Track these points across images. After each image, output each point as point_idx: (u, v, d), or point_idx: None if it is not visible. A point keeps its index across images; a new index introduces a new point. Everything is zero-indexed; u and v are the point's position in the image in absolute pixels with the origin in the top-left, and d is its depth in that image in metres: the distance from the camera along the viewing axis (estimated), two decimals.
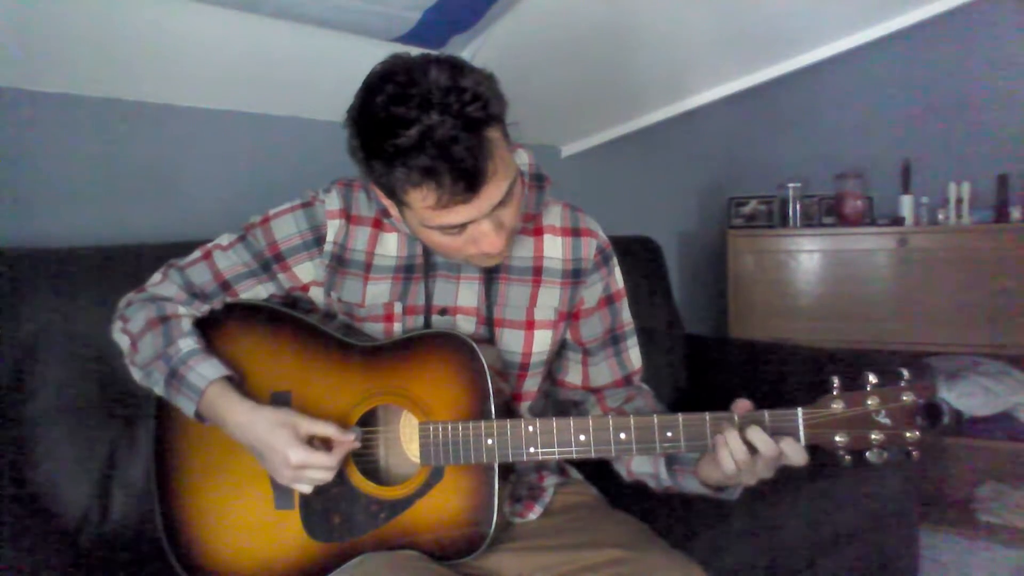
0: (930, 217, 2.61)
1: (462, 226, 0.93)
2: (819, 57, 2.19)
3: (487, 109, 0.87)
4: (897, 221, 2.60)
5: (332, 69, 1.65)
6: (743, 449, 0.93)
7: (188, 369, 1.01)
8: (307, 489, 1.00)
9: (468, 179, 0.86)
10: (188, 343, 1.04)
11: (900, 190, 2.65)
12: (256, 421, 0.99)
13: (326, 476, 0.99)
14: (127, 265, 1.33)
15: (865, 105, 2.88)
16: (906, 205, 2.61)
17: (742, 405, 0.97)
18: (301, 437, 0.98)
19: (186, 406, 1.02)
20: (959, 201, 2.55)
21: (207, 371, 1.02)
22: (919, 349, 2.52)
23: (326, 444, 1.00)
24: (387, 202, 0.99)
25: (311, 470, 0.97)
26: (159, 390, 1.05)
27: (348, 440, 0.99)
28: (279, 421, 0.98)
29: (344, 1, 1.49)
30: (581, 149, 2.61)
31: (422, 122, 0.84)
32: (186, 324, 1.06)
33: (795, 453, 0.94)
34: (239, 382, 1.05)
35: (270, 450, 0.98)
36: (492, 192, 0.90)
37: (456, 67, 0.89)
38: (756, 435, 0.93)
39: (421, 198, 0.89)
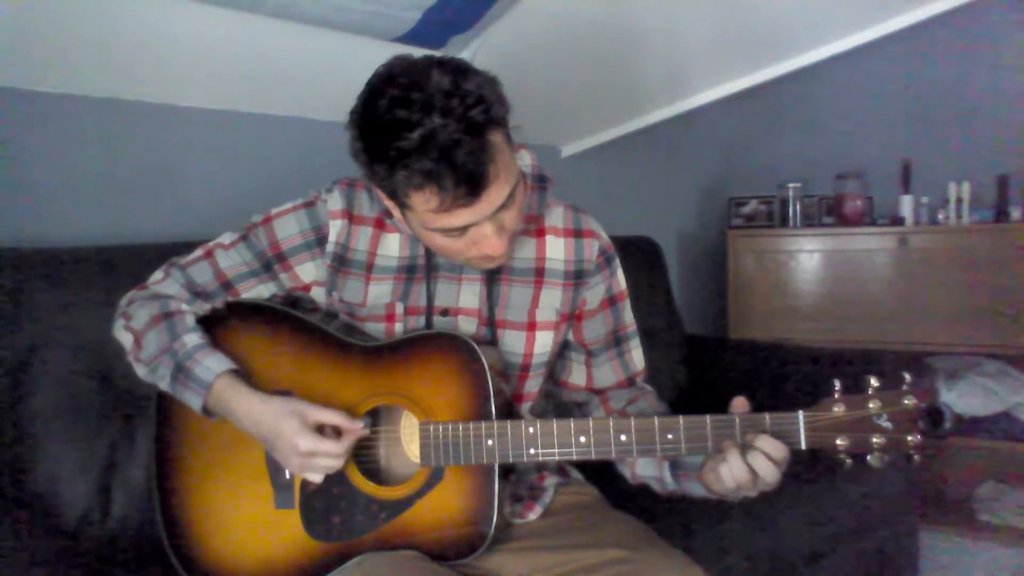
0: (930, 217, 2.61)
1: (463, 229, 0.93)
2: (819, 57, 2.19)
3: (489, 113, 0.87)
4: (897, 221, 2.60)
5: (332, 69, 1.65)
6: (745, 471, 0.93)
7: (195, 363, 1.02)
8: (317, 478, 1.00)
9: (470, 183, 0.87)
10: (193, 338, 1.04)
11: (900, 190, 2.65)
12: (265, 412, 0.99)
13: (335, 464, 0.99)
14: (127, 265, 1.33)
15: (865, 105, 2.87)
16: (906, 205, 2.61)
17: (739, 403, 0.97)
18: (309, 425, 0.98)
19: (193, 400, 1.02)
20: (959, 201, 2.55)
21: (214, 364, 1.02)
22: (919, 349, 2.52)
23: (335, 433, 1.00)
24: (389, 204, 0.99)
25: (320, 458, 0.97)
26: (165, 385, 1.05)
27: (356, 428, 0.99)
28: (287, 410, 0.98)
29: (344, 1, 1.49)
30: (581, 149, 2.61)
31: (424, 125, 0.84)
32: (190, 320, 1.07)
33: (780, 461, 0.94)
34: (245, 375, 1.05)
35: (279, 439, 0.98)
36: (494, 196, 0.90)
37: (459, 70, 0.89)
38: (757, 461, 0.93)
39: (423, 201, 0.89)
